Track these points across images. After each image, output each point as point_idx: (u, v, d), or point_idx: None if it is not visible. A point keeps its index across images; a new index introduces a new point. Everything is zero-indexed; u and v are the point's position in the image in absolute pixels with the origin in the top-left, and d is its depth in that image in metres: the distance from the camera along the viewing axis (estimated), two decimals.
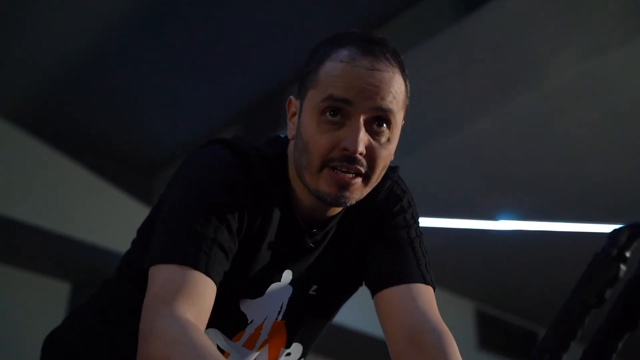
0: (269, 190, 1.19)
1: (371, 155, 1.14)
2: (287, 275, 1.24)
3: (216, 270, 1.09)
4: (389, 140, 1.16)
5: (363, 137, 1.12)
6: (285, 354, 1.33)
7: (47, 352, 1.36)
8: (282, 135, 1.29)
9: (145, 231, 1.28)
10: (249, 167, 1.17)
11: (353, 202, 1.16)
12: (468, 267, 5.59)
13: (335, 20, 3.45)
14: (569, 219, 4.90)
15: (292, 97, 1.23)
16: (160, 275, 1.06)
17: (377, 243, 1.28)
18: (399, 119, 1.17)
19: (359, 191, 1.15)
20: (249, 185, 1.16)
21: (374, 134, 1.14)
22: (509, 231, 5.06)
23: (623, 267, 0.77)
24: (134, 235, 1.33)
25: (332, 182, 1.13)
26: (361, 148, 1.12)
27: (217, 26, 3.58)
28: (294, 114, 1.22)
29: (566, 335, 0.78)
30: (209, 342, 0.98)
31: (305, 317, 1.31)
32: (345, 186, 1.13)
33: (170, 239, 1.10)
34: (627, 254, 0.78)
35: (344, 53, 1.14)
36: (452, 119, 4.07)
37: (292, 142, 1.22)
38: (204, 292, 1.06)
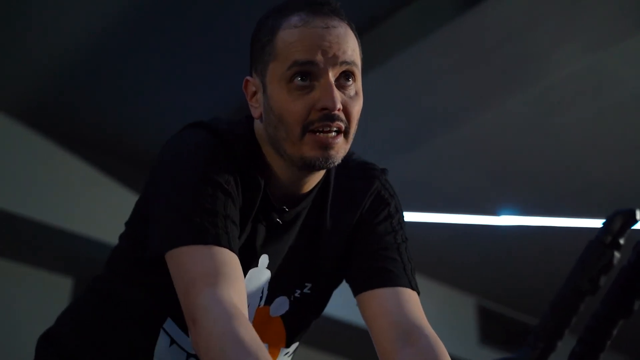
0: (249, 168, 1.20)
1: (347, 110, 1.16)
2: (264, 260, 1.24)
3: (236, 245, 1.11)
4: (356, 93, 1.19)
5: (337, 94, 1.15)
6: (284, 353, 1.34)
7: (40, 351, 1.36)
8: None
9: (134, 223, 1.29)
10: (229, 147, 1.19)
11: (339, 160, 1.18)
12: (469, 262, 5.58)
13: None
14: (570, 214, 4.89)
15: (247, 77, 1.25)
16: (189, 257, 1.07)
17: (364, 245, 1.29)
18: (360, 71, 1.20)
19: (342, 149, 1.17)
20: (232, 163, 1.18)
21: (343, 89, 1.17)
22: (510, 226, 5.05)
23: (617, 254, 0.78)
24: None
25: (315, 145, 1.15)
26: (339, 104, 1.14)
27: (217, 22, 3.58)
28: (254, 93, 1.23)
29: (561, 322, 0.78)
30: (256, 337, 0.99)
31: (304, 316, 1.33)
32: (328, 146, 1.15)
33: (182, 220, 1.10)
34: (621, 241, 0.78)
35: (295, 19, 1.17)
36: (453, 114, 4.06)
37: (257, 121, 1.24)
38: (236, 268, 1.08)
